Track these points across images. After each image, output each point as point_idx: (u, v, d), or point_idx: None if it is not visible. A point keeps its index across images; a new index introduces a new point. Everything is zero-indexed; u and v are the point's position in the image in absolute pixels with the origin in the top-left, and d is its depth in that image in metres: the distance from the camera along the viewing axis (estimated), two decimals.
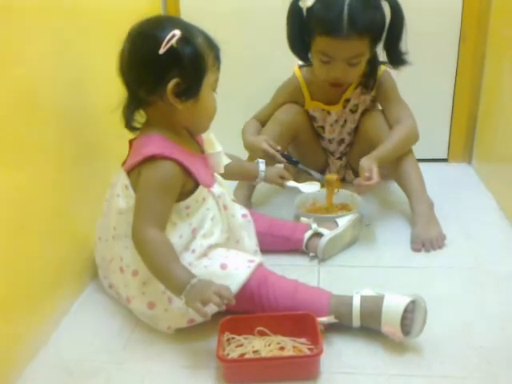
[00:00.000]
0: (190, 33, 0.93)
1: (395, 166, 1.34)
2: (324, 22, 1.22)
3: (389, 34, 1.27)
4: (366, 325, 0.93)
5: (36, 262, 0.94)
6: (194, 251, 0.99)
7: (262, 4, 1.60)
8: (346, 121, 1.47)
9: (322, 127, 1.49)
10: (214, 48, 0.96)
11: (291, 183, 1.28)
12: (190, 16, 1.04)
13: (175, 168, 0.94)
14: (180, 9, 1.62)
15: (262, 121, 1.46)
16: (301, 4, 1.26)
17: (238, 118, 1.45)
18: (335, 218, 1.24)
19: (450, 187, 1.50)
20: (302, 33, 1.30)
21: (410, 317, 0.90)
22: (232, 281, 0.95)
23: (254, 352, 0.90)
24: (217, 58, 0.97)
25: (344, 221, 1.21)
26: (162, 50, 0.89)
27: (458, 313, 1.00)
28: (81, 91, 1.10)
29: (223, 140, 1.10)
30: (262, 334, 0.93)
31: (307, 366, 0.86)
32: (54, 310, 1.02)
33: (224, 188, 1.07)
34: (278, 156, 1.32)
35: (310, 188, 1.31)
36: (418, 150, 1.39)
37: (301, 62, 1.42)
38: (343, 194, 1.39)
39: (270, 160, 1.32)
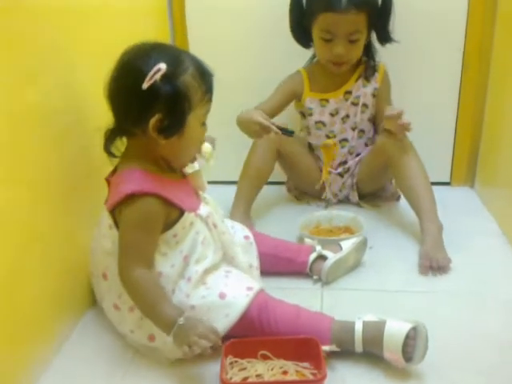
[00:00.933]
0: (177, 67, 0.91)
1: (407, 181, 1.37)
2: None
3: (380, 13, 1.39)
4: (369, 350, 0.94)
5: (36, 290, 0.94)
6: (189, 279, 0.98)
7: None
8: (348, 115, 1.50)
9: (321, 122, 1.51)
10: (204, 80, 0.95)
11: None
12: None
13: (156, 203, 0.93)
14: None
15: (262, 111, 1.42)
16: None
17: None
18: (339, 240, 1.25)
19: (452, 211, 1.50)
20: (303, 21, 1.42)
21: (412, 343, 0.90)
22: (231, 310, 0.95)
23: (257, 376, 0.90)
24: (208, 91, 0.96)
25: (348, 244, 1.22)
26: (145, 85, 0.87)
27: (460, 338, 1.00)
28: (81, 115, 1.10)
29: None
30: (265, 357, 0.93)
31: None
32: (54, 337, 1.01)
33: (210, 205, 1.07)
34: (273, 127, 1.30)
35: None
36: None
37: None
38: (348, 218, 1.40)
39: (266, 132, 1.31)
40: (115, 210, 0.96)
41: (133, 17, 1.39)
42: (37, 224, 0.94)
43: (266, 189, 1.54)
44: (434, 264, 1.22)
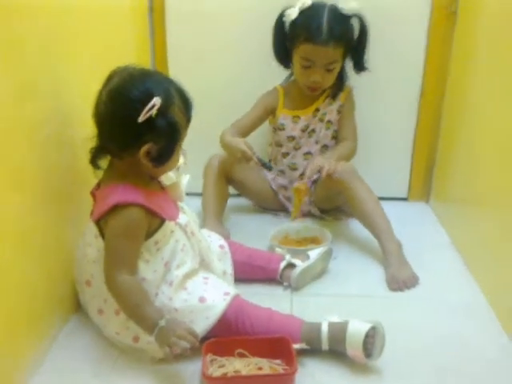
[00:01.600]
0: (169, 99, 0.97)
1: (359, 208, 1.45)
2: (307, 30, 1.45)
3: (357, 45, 1.51)
4: (334, 348, 1.04)
5: (25, 292, 0.99)
6: (171, 283, 1.06)
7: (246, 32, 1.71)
8: (314, 130, 1.61)
9: (292, 137, 1.62)
10: (187, 110, 1.02)
11: None
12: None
13: (139, 212, 1.00)
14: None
15: (241, 128, 1.57)
16: (284, 18, 1.49)
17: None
18: (307, 250, 1.35)
19: (408, 224, 1.60)
20: (285, 43, 1.52)
21: (371, 341, 1.01)
22: (210, 313, 1.04)
23: (235, 372, 0.99)
24: (188, 120, 1.03)
25: (315, 253, 1.33)
26: (141, 119, 0.93)
27: (416, 337, 1.12)
28: (75, 125, 1.16)
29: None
30: (241, 355, 1.02)
31: (285, 383, 0.96)
32: (42, 339, 1.07)
33: (188, 215, 1.15)
34: (254, 158, 1.44)
35: None
36: (381, 189, 1.53)
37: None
38: (315, 229, 1.52)
39: (246, 161, 1.45)
40: (101, 221, 1.04)
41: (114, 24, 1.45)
42: (25, 231, 0.99)
43: (234, 200, 1.67)
44: (402, 286, 1.30)
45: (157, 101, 0.94)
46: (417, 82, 1.71)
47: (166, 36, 1.73)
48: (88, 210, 1.11)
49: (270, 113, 1.64)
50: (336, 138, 1.65)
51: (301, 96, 1.60)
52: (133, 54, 1.60)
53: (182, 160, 1.14)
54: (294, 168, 1.66)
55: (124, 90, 0.97)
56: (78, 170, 1.18)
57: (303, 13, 1.47)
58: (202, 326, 1.03)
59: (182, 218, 1.12)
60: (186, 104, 1.03)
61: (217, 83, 1.75)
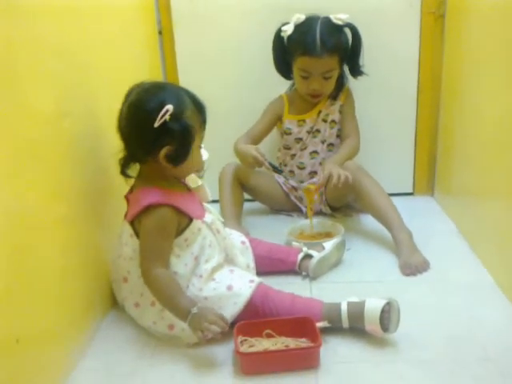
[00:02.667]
0: (181, 105, 1.08)
1: (370, 202, 1.55)
2: (302, 45, 1.58)
3: (351, 52, 1.63)
4: (353, 325, 1.13)
5: (71, 289, 1.09)
6: (201, 276, 1.17)
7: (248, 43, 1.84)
8: (318, 130, 1.72)
9: (300, 138, 1.74)
10: (201, 113, 1.12)
11: None
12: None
13: (170, 212, 1.11)
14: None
15: (253, 135, 1.70)
16: (282, 34, 1.62)
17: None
18: (322, 242, 1.45)
19: (416, 216, 1.68)
20: (284, 56, 1.65)
21: (387, 316, 1.10)
22: (238, 299, 1.14)
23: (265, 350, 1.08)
24: (203, 121, 1.14)
25: (330, 244, 1.42)
26: (156, 124, 1.05)
27: (428, 313, 1.21)
28: (105, 138, 1.27)
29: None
30: (269, 336, 1.11)
31: (311, 356, 1.05)
32: (88, 328, 1.18)
33: (213, 214, 1.26)
34: (266, 164, 1.56)
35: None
36: (388, 185, 1.62)
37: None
38: (327, 224, 1.62)
39: (258, 166, 1.56)
40: (135, 221, 1.14)
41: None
42: (67, 237, 1.09)
43: (249, 204, 1.79)
44: (415, 271, 1.38)
45: (169, 107, 1.05)
46: (413, 80, 1.83)
47: (176, 54, 1.86)
48: (119, 215, 1.22)
49: (278, 119, 1.76)
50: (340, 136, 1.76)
51: (304, 102, 1.72)
52: (146, 72, 1.72)
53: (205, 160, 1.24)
54: (302, 167, 1.77)
55: (140, 103, 1.09)
56: (110, 179, 1.29)
57: (298, 28, 1.60)
58: (230, 311, 1.13)
59: (208, 217, 1.22)
60: (200, 107, 1.14)
61: (225, 95, 1.86)
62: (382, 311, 1.10)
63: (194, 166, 1.18)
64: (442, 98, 1.80)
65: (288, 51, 1.64)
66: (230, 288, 1.15)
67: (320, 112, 1.73)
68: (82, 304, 1.15)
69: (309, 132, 1.74)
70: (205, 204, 1.27)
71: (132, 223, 1.15)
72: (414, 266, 1.40)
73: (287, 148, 1.78)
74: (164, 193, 1.13)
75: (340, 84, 1.71)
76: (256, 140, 1.70)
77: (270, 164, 1.58)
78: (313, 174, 1.78)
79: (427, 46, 1.78)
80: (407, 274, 1.39)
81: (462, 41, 1.61)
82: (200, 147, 1.18)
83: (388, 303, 1.11)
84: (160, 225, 1.12)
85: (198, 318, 1.05)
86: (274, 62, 1.69)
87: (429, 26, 1.76)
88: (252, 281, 1.18)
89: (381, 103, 1.85)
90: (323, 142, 1.75)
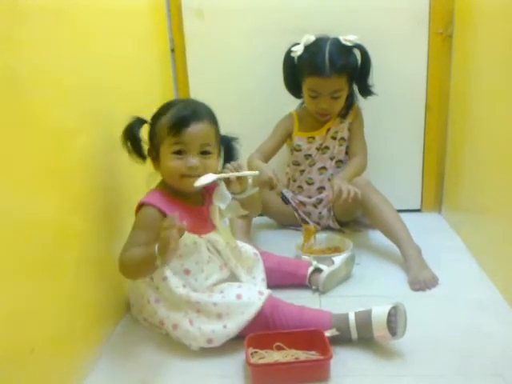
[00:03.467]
0: (161, 114, 1.19)
1: (378, 218, 1.57)
2: (311, 66, 1.62)
3: (360, 73, 1.66)
4: (362, 335, 1.14)
5: (85, 299, 1.12)
6: (203, 292, 1.18)
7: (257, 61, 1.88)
8: (327, 147, 1.75)
9: (309, 155, 1.77)
10: (171, 119, 1.16)
11: None
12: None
13: (155, 213, 1.15)
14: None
15: (264, 152, 1.73)
16: (292, 54, 1.66)
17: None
18: (332, 257, 1.46)
19: (424, 233, 1.68)
20: (294, 75, 1.69)
21: (394, 320, 1.11)
22: (247, 309, 1.15)
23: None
24: (173, 126, 1.15)
25: (339, 259, 1.44)
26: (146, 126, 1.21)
27: (436, 328, 1.22)
28: (115, 152, 1.28)
29: None
30: (279, 348, 1.12)
31: (321, 368, 1.06)
32: (99, 337, 1.20)
33: (222, 236, 1.26)
34: (278, 188, 1.58)
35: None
36: (396, 202, 1.63)
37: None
38: (337, 239, 1.63)
39: (270, 188, 1.57)
40: None
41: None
42: (84, 244, 1.12)
43: (258, 220, 1.81)
44: (424, 286, 1.39)
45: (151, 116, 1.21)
46: (422, 98, 1.86)
47: (187, 71, 1.90)
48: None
49: (288, 136, 1.79)
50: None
51: (313, 119, 1.76)
52: (159, 89, 1.76)
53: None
54: (310, 183, 1.80)
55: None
56: (124, 191, 1.33)
57: (308, 49, 1.64)
58: (237, 320, 1.14)
59: (212, 236, 1.24)
60: (173, 118, 1.17)
61: (235, 112, 1.88)
62: (389, 315, 1.11)
63: (167, 171, 1.19)
64: (450, 116, 1.82)
65: (298, 71, 1.68)
66: (239, 297, 1.17)
67: (329, 130, 1.76)
68: (94, 313, 1.17)
69: (318, 149, 1.77)
70: (220, 224, 1.27)
71: None
72: (422, 281, 1.41)
73: (296, 164, 1.81)
74: (163, 198, 1.18)
75: (349, 103, 1.74)
76: (267, 156, 1.74)
77: (281, 192, 1.62)
78: (321, 189, 1.80)
79: (435, 66, 1.82)
80: (416, 290, 1.40)
81: (469, 60, 1.64)
82: (175, 153, 1.17)
83: (394, 307, 1.13)
84: (142, 221, 1.16)
85: (161, 255, 1.01)
86: (284, 81, 1.73)
87: (436, 46, 1.80)
88: (261, 293, 1.19)
89: (389, 121, 1.88)
90: (332, 159, 1.77)
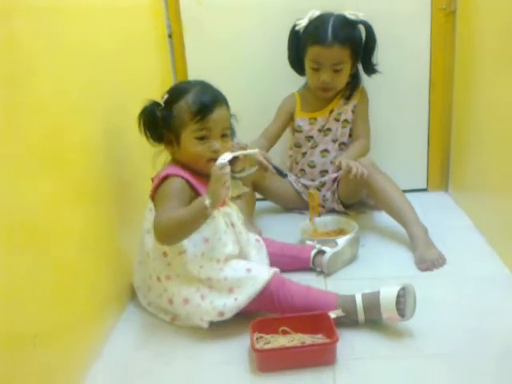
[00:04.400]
0: (177, 96, 1.17)
1: (384, 199, 1.54)
2: (314, 34, 1.60)
3: (364, 50, 1.64)
4: (369, 317, 1.12)
5: (88, 286, 1.11)
6: (218, 260, 1.18)
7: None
8: (329, 129, 1.72)
9: (311, 136, 1.74)
10: (195, 104, 1.15)
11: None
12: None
13: (183, 182, 1.15)
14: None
15: (269, 136, 1.70)
16: (296, 28, 1.64)
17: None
18: (335, 239, 1.44)
19: (430, 212, 1.67)
20: (298, 50, 1.66)
21: (403, 301, 1.10)
22: (255, 281, 1.15)
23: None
24: (197, 113, 1.15)
25: (343, 240, 1.42)
26: (159, 111, 1.19)
27: (445, 307, 1.20)
28: (116, 137, 1.29)
29: None
30: (285, 332, 1.11)
31: (327, 352, 1.04)
32: (105, 324, 1.19)
33: (233, 209, 1.26)
34: (270, 167, 1.52)
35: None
36: (401, 181, 1.60)
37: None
38: (341, 221, 1.61)
39: (264, 170, 1.52)
40: (154, 195, 1.17)
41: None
42: (88, 234, 1.11)
43: (261, 204, 1.79)
44: (431, 266, 1.37)
45: (165, 96, 1.19)
46: (425, 75, 1.81)
47: (186, 57, 1.87)
48: (140, 213, 1.25)
49: (291, 118, 1.76)
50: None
51: (316, 99, 1.72)
52: (157, 75, 1.73)
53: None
54: (312, 166, 1.77)
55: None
56: (130, 177, 1.32)
57: (312, 21, 1.62)
58: (248, 291, 1.14)
59: (226, 209, 1.23)
60: (195, 102, 1.16)
61: (235, 97, 1.81)
62: (398, 296, 1.09)
63: (187, 156, 1.19)
64: (455, 92, 1.79)
65: (301, 45, 1.65)
66: (249, 270, 1.17)
67: (332, 111, 1.72)
68: (99, 300, 1.16)
69: (320, 130, 1.73)
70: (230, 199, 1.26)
71: (153, 198, 1.19)
72: (429, 260, 1.38)
73: (298, 146, 1.78)
74: (182, 169, 1.18)
75: (354, 84, 1.71)
76: (272, 140, 1.71)
77: (275, 168, 1.56)
78: (323, 172, 1.77)
79: (438, 42, 1.78)
80: (423, 269, 1.37)
81: (473, 36, 1.60)
82: (198, 138, 1.17)
83: (403, 288, 1.11)
84: (173, 190, 1.15)
85: (214, 196, 1.05)
86: (288, 57, 1.70)
87: (440, 23, 1.76)
88: (270, 268, 1.20)
89: (393, 99, 1.84)
90: (335, 141, 1.74)
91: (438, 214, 1.71)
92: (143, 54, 1.61)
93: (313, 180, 1.77)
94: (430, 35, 1.78)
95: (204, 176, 1.19)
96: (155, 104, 1.20)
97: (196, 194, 1.17)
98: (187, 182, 1.16)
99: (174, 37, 1.86)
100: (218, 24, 1.83)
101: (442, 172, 1.91)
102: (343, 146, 1.74)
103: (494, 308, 1.18)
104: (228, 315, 1.14)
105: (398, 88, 1.83)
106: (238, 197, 1.34)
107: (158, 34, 1.79)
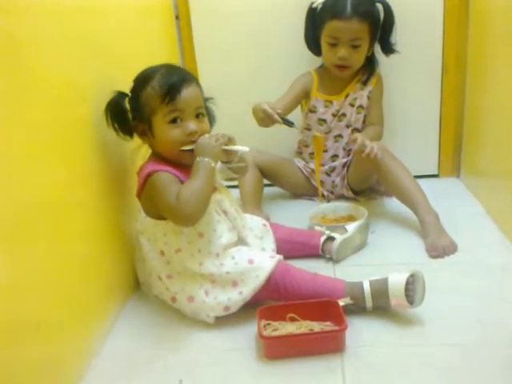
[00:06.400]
0: (141, 85, 1.13)
1: (395, 184, 1.51)
2: (333, 9, 1.56)
3: (382, 29, 1.61)
4: (377, 304, 1.10)
5: (92, 275, 1.09)
6: (217, 254, 1.15)
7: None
8: (344, 114, 1.68)
9: (323, 120, 1.70)
10: (162, 87, 1.10)
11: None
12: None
13: (169, 174, 1.10)
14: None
15: (282, 106, 1.60)
16: (314, 5, 1.62)
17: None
18: (345, 225, 1.42)
19: (442, 199, 1.64)
20: (315, 29, 1.63)
21: (412, 288, 1.07)
22: (259, 272, 1.12)
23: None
24: (165, 95, 1.10)
25: (352, 227, 1.39)
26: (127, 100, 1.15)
27: (455, 296, 1.17)
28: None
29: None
30: (292, 320, 1.09)
31: (336, 339, 1.02)
32: (109, 313, 1.18)
33: (223, 194, 1.22)
34: (276, 116, 1.45)
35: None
36: (412, 167, 1.57)
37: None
38: (350, 207, 1.58)
39: (270, 120, 1.46)
40: (141, 195, 1.15)
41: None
42: (89, 221, 1.10)
43: (269, 189, 1.76)
44: (442, 253, 1.34)
45: (131, 86, 1.14)
46: (438, 60, 1.77)
47: (193, 39, 1.84)
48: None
49: (305, 95, 1.71)
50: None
51: (333, 81, 1.68)
52: (164, 58, 1.69)
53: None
54: (324, 150, 1.73)
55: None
56: (128, 162, 1.28)
57: None
58: (252, 283, 1.11)
59: (216, 196, 1.18)
60: (163, 86, 1.11)
61: (243, 79, 1.84)
62: (407, 283, 1.07)
63: (167, 142, 1.13)
64: (468, 76, 1.74)
65: (318, 20, 1.61)
66: (251, 262, 1.14)
67: (348, 96, 1.68)
68: (103, 289, 1.15)
69: (334, 115, 1.70)
70: (219, 185, 1.23)
71: (139, 198, 1.16)
72: (441, 248, 1.36)
73: (309, 129, 1.74)
74: (162, 163, 1.13)
75: (370, 66, 1.67)
76: (286, 111, 1.62)
77: (282, 118, 1.47)
78: (334, 157, 1.74)
79: (451, 26, 1.73)
80: (434, 257, 1.35)
81: (486, 19, 1.55)
82: (171, 121, 1.12)
83: (412, 275, 1.09)
84: (165, 181, 1.10)
85: (205, 151, 1.10)
86: (305, 36, 1.67)
87: (453, 5, 1.71)
88: (272, 256, 1.17)
89: (405, 84, 1.80)
90: (348, 127, 1.71)
91: (450, 200, 1.68)
92: (149, 36, 1.58)
93: (322, 165, 1.73)
94: (442, 19, 1.73)
95: (186, 167, 1.14)
96: (121, 95, 1.15)
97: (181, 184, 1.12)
98: (171, 173, 1.12)
99: (182, 18, 1.83)
100: (226, 5, 1.79)
101: (453, 158, 1.87)
102: (356, 131, 1.71)
103: (504, 298, 1.15)
104: (234, 309, 1.12)
105: (410, 72, 1.79)
106: (233, 178, 1.30)
107: (165, 16, 1.76)
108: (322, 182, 1.74)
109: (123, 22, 1.34)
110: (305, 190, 1.77)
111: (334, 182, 1.74)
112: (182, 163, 1.15)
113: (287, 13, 1.73)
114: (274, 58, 1.81)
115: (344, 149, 1.72)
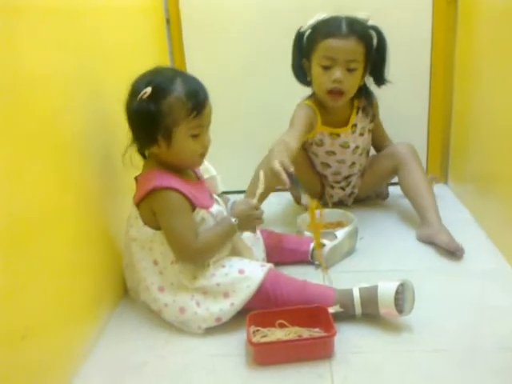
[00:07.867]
0: (164, 89, 1.06)
1: (415, 185, 1.54)
2: (327, 27, 1.46)
3: (376, 58, 1.52)
4: (366, 311, 1.11)
5: (82, 280, 1.08)
6: (208, 265, 1.15)
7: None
8: (357, 146, 1.64)
9: (332, 151, 1.64)
10: (190, 100, 1.07)
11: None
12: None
13: (176, 193, 1.10)
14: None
15: (300, 136, 1.49)
16: (302, 30, 1.51)
17: None
18: (334, 231, 1.42)
19: None
20: (304, 57, 1.53)
21: (401, 297, 1.08)
22: (250, 282, 1.12)
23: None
24: (193, 109, 1.07)
25: (342, 233, 1.40)
26: (135, 105, 1.07)
27: (444, 302, 1.18)
28: (108, 127, 1.26)
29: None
30: (282, 326, 1.09)
31: (325, 345, 1.03)
32: (98, 319, 1.17)
33: (222, 206, 1.23)
34: (284, 177, 1.24)
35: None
36: None
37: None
38: (339, 213, 1.59)
39: (276, 178, 1.27)
40: (141, 204, 1.14)
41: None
42: (77, 227, 1.08)
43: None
44: (459, 247, 1.36)
45: (148, 90, 1.06)
46: (426, 64, 1.80)
47: (183, 42, 1.84)
48: (128, 203, 1.20)
49: (312, 128, 1.58)
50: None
51: (335, 113, 1.59)
52: (154, 61, 1.69)
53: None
54: (337, 173, 1.70)
55: (131, 85, 1.11)
56: (117, 168, 1.25)
57: (320, 21, 1.49)
58: (243, 294, 1.11)
59: (215, 208, 1.19)
60: (189, 96, 1.08)
61: (232, 84, 1.85)
62: (397, 293, 1.08)
63: (181, 155, 1.13)
64: (456, 82, 1.77)
65: (309, 43, 1.51)
66: (241, 272, 1.14)
67: (354, 125, 1.62)
68: (92, 294, 1.14)
69: (342, 146, 1.63)
70: (215, 196, 1.26)
71: (139, 206, 1.15)
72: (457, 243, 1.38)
73: (315, 155, 1.68)
74: (169, 176, 1.12)
75: (368, 98, 1.62)
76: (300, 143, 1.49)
77: (289, 176, 1.26)
78: (346, 178, 1.71)
79: (440, 30, 1.76)
80: (455, 248, 1.37)
81: (475, 23, 1.57)
82: (193, 136, 1.12)
83: (402, 284, 1.09)
84: (174, 205, 1.11)
85: (242, 222, 1.16)
86: (292, 64, 1.57)
87: (441, 10, 1.74)
88: (263, 265, 1.17)
89: (393, 88, 1.78)
90: (361, 154, 1.68)
91: (438, 206, 1.68)
92: (140, 39, 1.58)
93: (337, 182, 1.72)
94: (431, 22, 1.76)
95: (182, 172, 1.16)
96: (144, 100, 1.06)
97: (190, 202, 1.13)
98: (181, 193, 1.11)
99: (172, 22, 1.84)
100: (216, 9, 1.80)
101: (441, 164, 1.90)
102: (364, 151, 1.70)
103: (492, 304, 1.16)
104: (225, 319, 1.11)
105: (398, 76, 1.76)
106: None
107: (156, 19, 1.76)
108: (338, 182, 1.71)
109: (113, 24, 1.33)
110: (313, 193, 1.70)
111: (345, 193, 1.73)
112: (187, 166, 1.19)
113: (277, 18, 1.74)
114: (264, 63, 1.82)
115: (356, 170, 1.70)
